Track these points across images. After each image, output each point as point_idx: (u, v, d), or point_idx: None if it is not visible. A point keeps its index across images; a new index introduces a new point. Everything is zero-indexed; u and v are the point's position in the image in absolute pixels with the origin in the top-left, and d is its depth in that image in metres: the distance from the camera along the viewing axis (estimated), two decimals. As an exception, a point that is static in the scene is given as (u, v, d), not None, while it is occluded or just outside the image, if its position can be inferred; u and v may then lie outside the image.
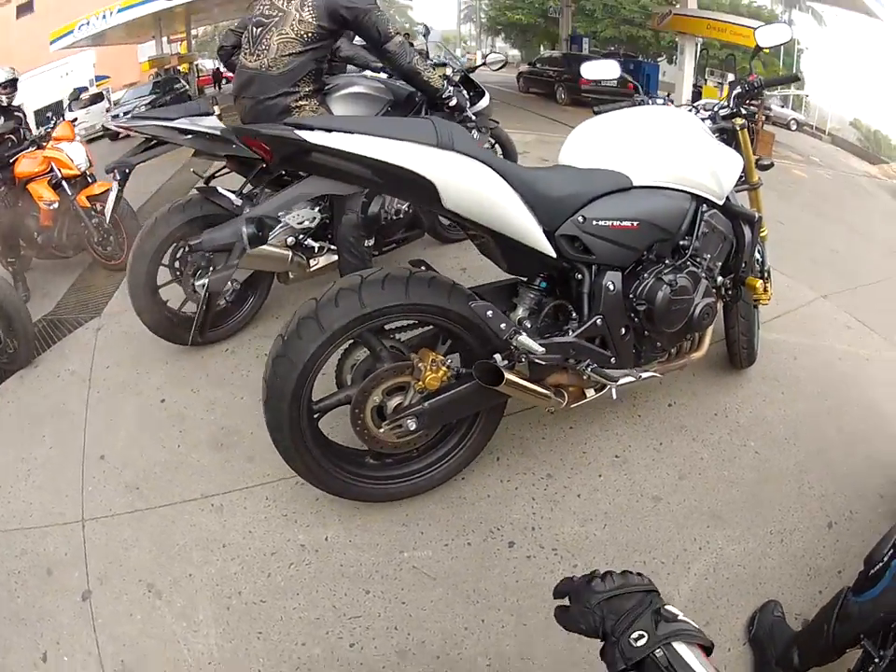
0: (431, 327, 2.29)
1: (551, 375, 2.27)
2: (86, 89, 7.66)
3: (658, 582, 2.12)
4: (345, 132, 1.73)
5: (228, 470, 2.70)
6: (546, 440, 2.76)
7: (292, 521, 2.47)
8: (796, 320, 3.73)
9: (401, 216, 3.36)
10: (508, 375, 2.05)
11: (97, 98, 7.68)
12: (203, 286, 3.04)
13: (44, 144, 4.69)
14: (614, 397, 2.39)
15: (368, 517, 2.45)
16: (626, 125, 2.41)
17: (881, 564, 1.75)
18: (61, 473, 2.80)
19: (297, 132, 1.72)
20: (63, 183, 4.51)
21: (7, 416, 3.27)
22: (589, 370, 2.24)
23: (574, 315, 2.24)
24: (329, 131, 1.73)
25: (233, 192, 3.16)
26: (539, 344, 2.06)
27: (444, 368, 2.13)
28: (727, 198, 2.44)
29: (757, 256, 2.73)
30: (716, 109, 2.67)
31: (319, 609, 2.19)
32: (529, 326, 2.18)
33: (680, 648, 0.98)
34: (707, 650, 1.02)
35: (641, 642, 1.00)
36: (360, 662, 2.06)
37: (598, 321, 2.20)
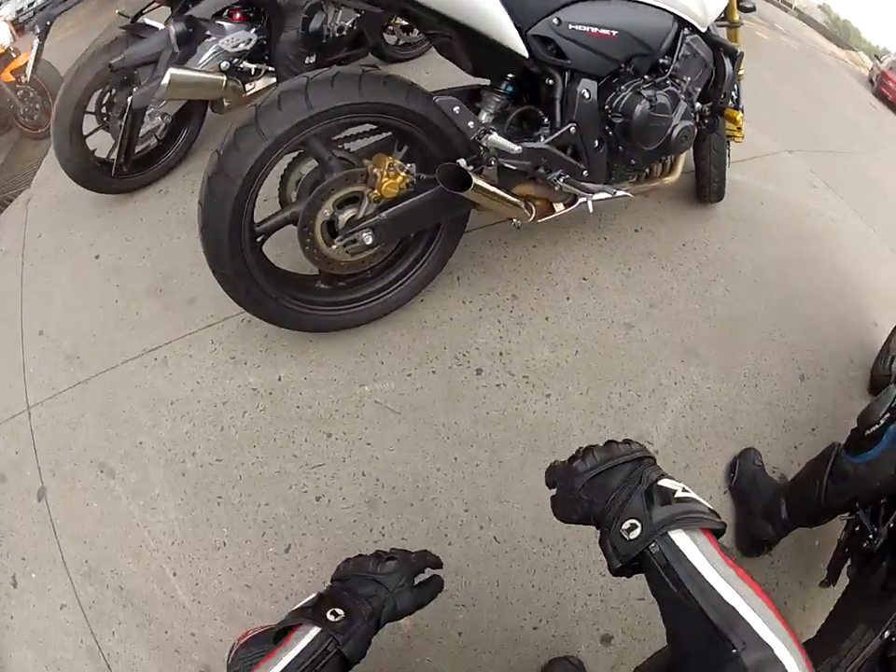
0: (383, 135, 2.14)
1: (518, 185, 2.16)
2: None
3: (636, 417, 2.09)
4: None
5: (169, 319, 2.53)
6: (509, 258, 2.63)
7: (241, 363, 2.33)
8: (762, 167, 3.65)
9: (345, 32, 3.19)
10: (476, 179, 1.92)
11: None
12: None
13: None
14: (591, 209, 2.29)
15: (322, 350, 2.33)
16: None
17: (877, 426, 1.72)
18: (2, 363, 2.65)
19: None
20: (-15, 62, 4.24)
21: (-60, 315, 3.08)
22: (561, 180, 2.14)
23: (545, 122, 2.12)
24: None
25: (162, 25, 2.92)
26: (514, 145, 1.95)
27: (403, 173, 1.98)
28: (709, 28, 2.32)
29: (733, 93, 2.63)
30: None
31: (279, 461, 2.09)
32: (496, 129, 2.02)
33: (679, 538, 0.86)
34: (717, 532, 0.89)
35: (634, 533, 0.88)
36: (329, 517, 1.98)
37: (572, 129, 2.08)
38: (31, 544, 2.09)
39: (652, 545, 0.86)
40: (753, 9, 2.79)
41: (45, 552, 2.06)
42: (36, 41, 3.25)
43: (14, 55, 4.36)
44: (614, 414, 2.21)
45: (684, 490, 0.92)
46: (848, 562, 1.74)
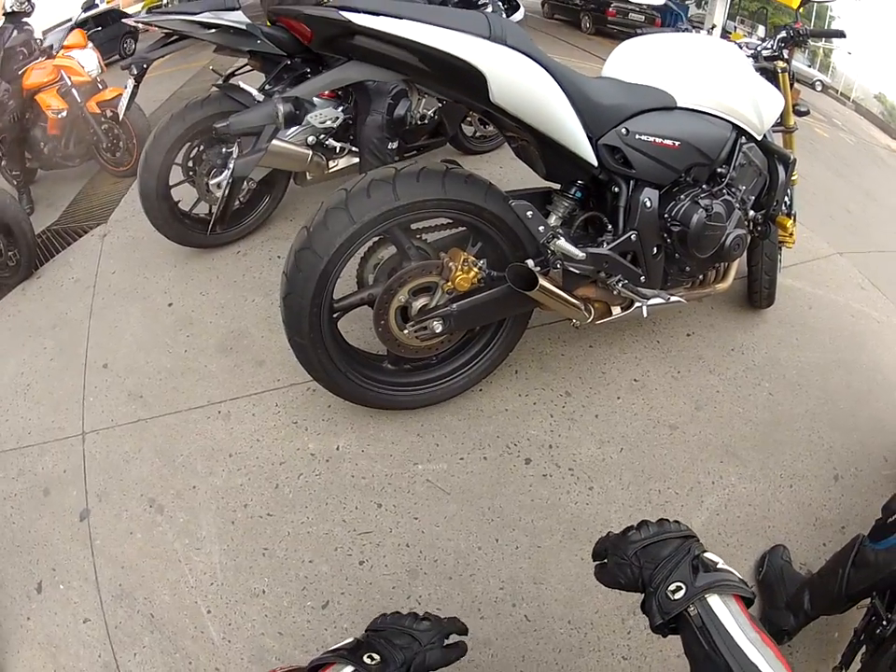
0: (459, 230, 2.24)
1: (580, 288, 2.23)
2: (96, 4, 7.50)
3: (672, 514, 2.13)
4: (394, 16, 1.66)
5: (236, 375, 2.64)
6: (565, 357, 2.71)
7: (302, 429, 2.42)
8: (813, 271, 3.68)
9: (426, 121, 3.30)
10: (542, 281, 2.01)
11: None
12: (219, 184, 2.98)
13: (54, 54, 4.61)
14: (645, 314, 2.34)
15: (381, 426, 2.41)
16: (673, 46, 2.34)
17: None
18: (61, 385, 2.74)
19: (342, 12, 1.63)
20: (73, 91, 4.42)
21: (6, 331, 3.20)
22: (620, 285, 2.21)
23: (608, 228, 2.20)
24: (377, 14, 1.65)
25: (255, 90, 3.06)
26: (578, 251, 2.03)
27: (476, 269, 2.06)
28: (765, 135, 2.40)
29: (786, 199, 2.68)
30: (759, 49, 2.66)
31: (328, 524, 2.16)
32: (564, 234, 2.11)
33: (714, 602, 0.96)
34: (747, 601, 0.99)
35: (679, 595, 0.98)
36: (369, 581, 2.03)
37: (633, 236, 2.17)
38: (64, 558, 2.16)
39: (691, 608, 0.96)
40: (808, 113, 2.86)
41: (77, 567, 2.12)
42: (132, 82, 3.36)
43: (101, 87, 4.54)
44: (652, 510, 2.25)
45: (723, 564, 1.04)
46: (863, 649, 1.75)
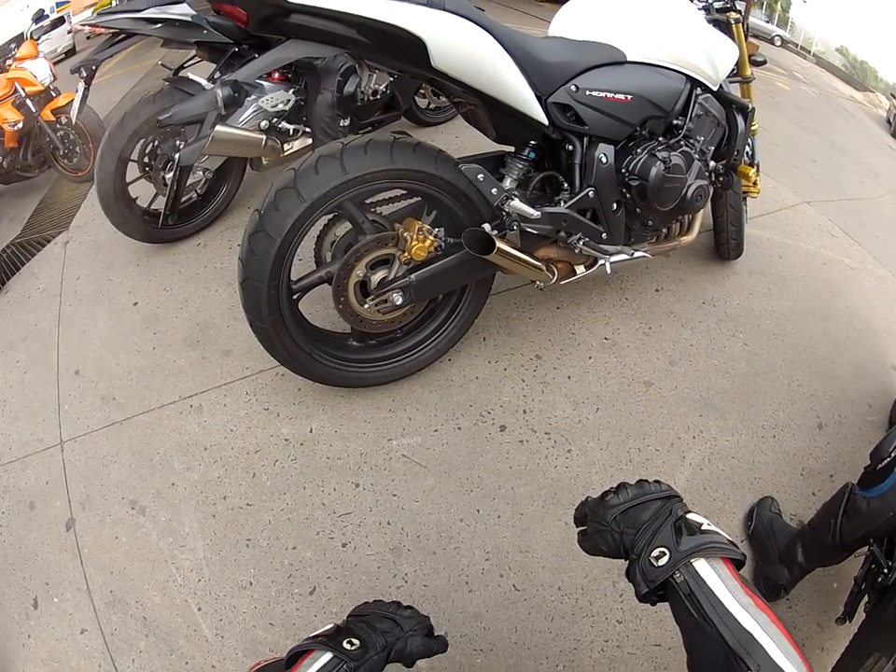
0: (413, 200, 2.22)
1: (540, 249, 2.23)
2: (46, 15, 7.46)
3: (654, 471, 2.13)
4: None
5: (205, 368, 2.62)
6: (533, 320, 2.70)
7: (274, 414, 2.40)
8: (780, 221, 3.68)
9: (379, 96, 3.28)
10: (499, 244, 2.00)
11: (59, 22, 7.49)
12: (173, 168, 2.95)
13: (7, 67, 4.54)
14: (609, 271, 2.33)
15: (353, 405, 2.39)
16: (621, 1, 2.31)
17: (889, 459, 1.74)
18: (36, 397, 2.71)
19: None
20: (28, 101, 4.35)
21: (-24, 350, 3.16)
22: (581, 243, 2.20)
23: (565, 186, 2.18)
24: None
25: (205, 80, 3.02)
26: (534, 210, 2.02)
27: (431, 237, 2.05)
28: (721, 86, 2.38)
29: (748, 149, 2.69)
30: (710, 1, 2.61)
31: (308, 508, 2.15)
32: (518, 195, 2.09)
33: (702, 567, 0.92)
34: (737, 563, 0.95)
35: (663, 561, 0.94)
36: (354, 563, 2.03)
37: (590, 193, 2.15)
38: (55, 570, 2.14)
39: (677, 574, 0.92)
40: (764, 62, 2.84)
41: (69, 578, 2.11)
42: (82, 85, 3.32)
43: (54, 94, 4.48)
44: (633, 468, 2.24)
45: (708, 524, 0.99)
46: (865, 598, 1.75)
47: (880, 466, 1.76)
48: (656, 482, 1.09)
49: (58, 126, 4.41)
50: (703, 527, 0.98)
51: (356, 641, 1.10)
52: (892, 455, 1.74)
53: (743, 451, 2.35)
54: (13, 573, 2.18)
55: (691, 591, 0.90)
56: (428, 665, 1.82)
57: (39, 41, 5.38)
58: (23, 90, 4.37)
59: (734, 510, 2.20)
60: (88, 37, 6.93)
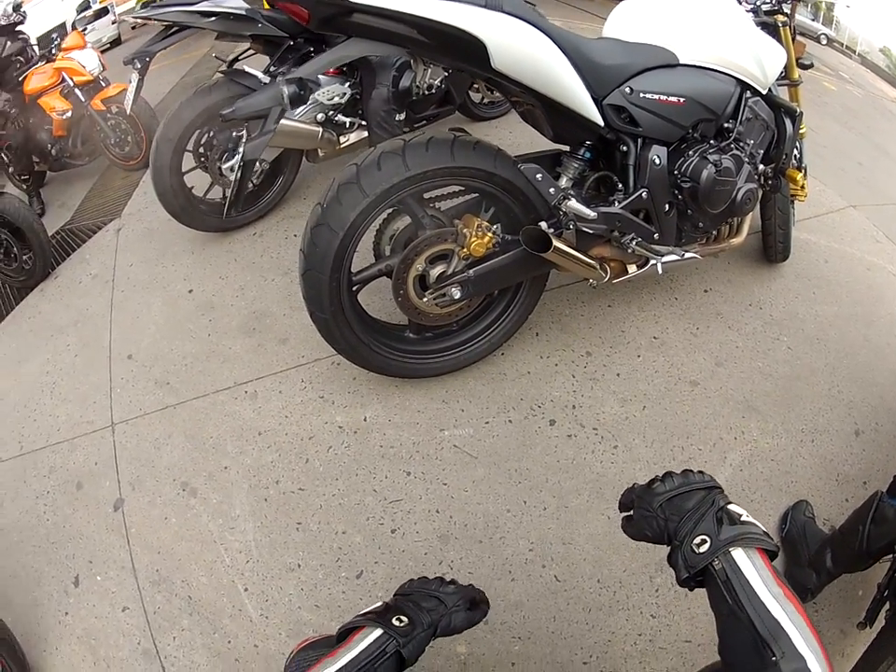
0: (471, 196, 2.25)
1: (595, 248, 2.26)
2: (90, 5, 7.53)
3: (696, 470, 2.15)
4: None
5: (261, 355, 2.67)
6: (585, 317, 2.73)
7: (329, 402, 2.45)
8: (827, 224, 3.66)
9: (433, 91, 3.33)
10: (556, 242, 2.04)
11: (102, 12, 7.56)
12: (231, 168, 3.02)
13: (54, 57, 4.62)
14: (660, 271, 2.35)
15: (407, 395, 2.44)
16: (672, 3, 2.32)
17: None
18: (87, 380, 2.78)
19: None
20: (77, 91, 4.45)
21: (29, 332, 3.26)
22: (634, 243, 2.23)
23: (619, 187, 2.21)
24: None
25: (261, 73, 3.08)
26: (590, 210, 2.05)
27: (490, 234, 2.09)
28: (770, 89, 2.39)
29: (795, 152, 2.67)
30: (758, 4, 2.62)
31: (359, 494, 2.19)
32: (575, 195, 2.12)
33: (739, 556, 0.97)
34: (771, 554, 1.00)
35: (704, 548, 0.99)
36: (402, 549, 2.07)
37: (644, 194, 2.18)
38: (101, 549, 2.20)
39: (716, 562, 0.97)
40: (811, 66, 2.84)
41: (114, 557, 2.17)
42: (136, 76, 3.37)
43: (103, 84, 4.57)
44: (676, 466, 2.18)
45: (747, 516, 1.04)
46: (887, 605, 1.77)
47: None
48: (700, 472, 1.15)
49: (108, 115, 4.49)
50: (742, 518, 1.03)
51: (404, 619, 1.16)
52: None
53: (782, 454, 2.36)
54: (55, 551, 2.24)
55: (727, 578, 0.95)
56: (468, 651, 1.86)
57: (85, 31, 5.46)
58: (71, 79, 4.45)
59: (769, 511, 2.22)
60: (133, 27, 7.01)
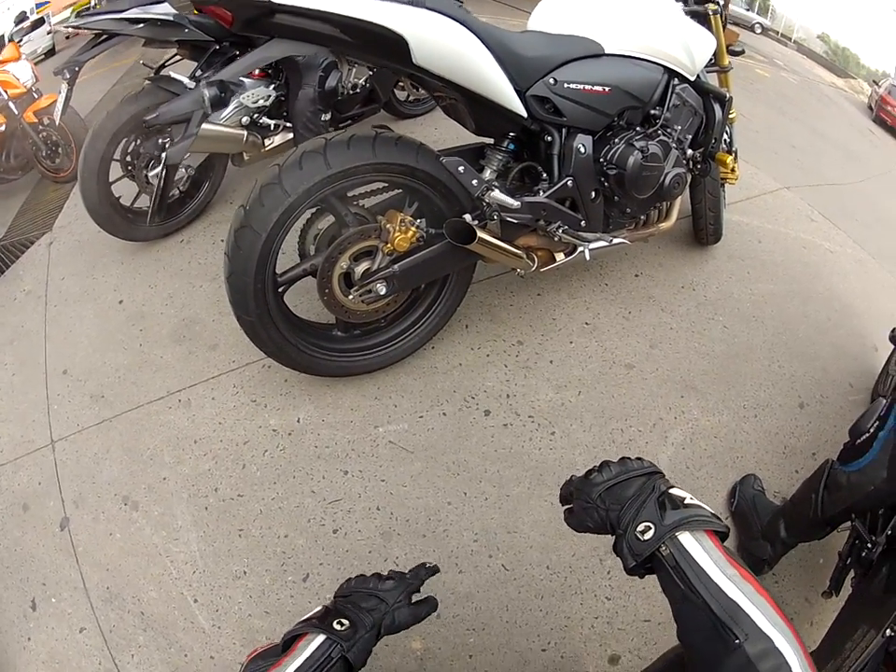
0: (395, 192, 2.24)
1: (521, 237, 2.26)
2: (27, 17, 7.41)
3: (637, 451, 2.14)
4: None
5: (192, 362, 2.63)
6: (514, 307, 2.73)
7: (262, 406, 2.42)
8: (760, 206, 3.72)
9: (358, 90, 3.30)
10: (480, 233, 2.04)
11: (39, 23, 7.44)
12: (157, 175, 2.96)
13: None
14: (588, 258, 2.36)
15: (339, 394, 2.42)
16: None
17: (867, 435, 1.77)
18: (25, 398, 2.71)
19: None
20: (10, 104, 4.32)
21: (-35, 355, 3.16)
22: (560, 231, 2.23)
23: (544, 176, 2.22)
24: None
25: (187, 78, 3.03)
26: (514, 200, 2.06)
27: (413, 228, 2.08)
28: (698, 76, 2.42)
29: (725, 137, 2.72)
30: None
31: (298, 497, 2.17)
32: (498, 186, 2.13)
33: (686, 540, 0.95)
34: (721, 535, 0.98)
35: (648, 535, 0.97)
36: (346, 549, 2.06)
37: (569, 182, 2.18)
38: (52, 570, 2.15)
39: (663, 547, 0.95)
40: (742, 52, 2.88)
41: (66, 577, 2.12)
42: (65, 86, 3.31)
43: (36, 95, 4.46)
44: (616, 449, 2.27)
45: (691, 498, 1.02)
46: (851, 573, 1.79)
47: (859, 441, 1.79)
48: (638, 459, 1.13)
49: (40, 127, 4.39)
50: (686, 501, 1.01)
51: (345, 622, 1.15)
52: (871, 430, 1.77)
53: (725, 430, 2.39)
54: (10, 576, 2.18)
55: (676, 563, 0.93)
56: (423, 647, 1.86)
57: (21, 43, 5.36)
58: (6, 92, 4.34)
59: (717, 488, 2.24)
60: (67, 37, 6.88)
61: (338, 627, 1.13)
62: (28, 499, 2.36)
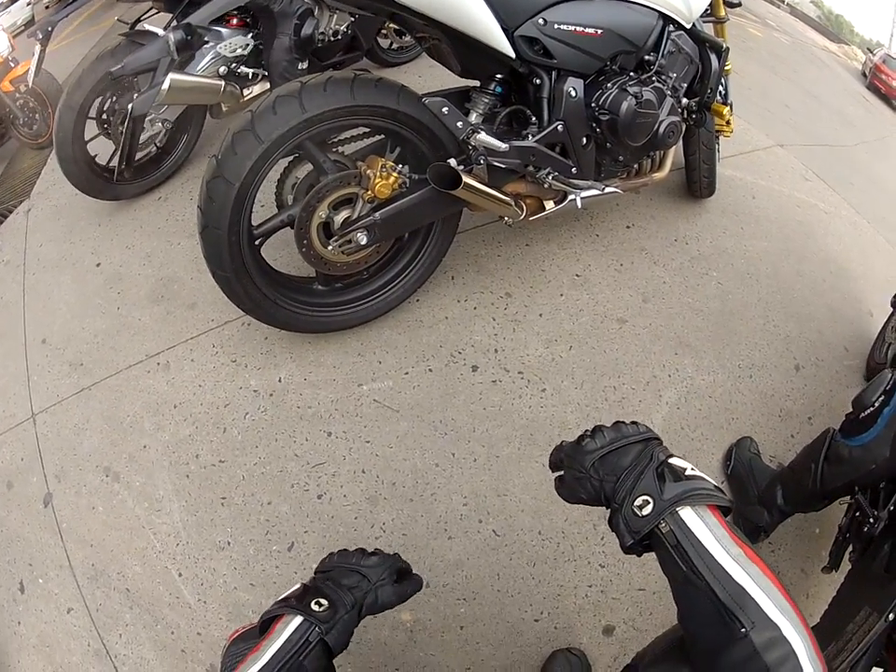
0: (376, 138, 2.17)
1: (509, 184, 2.18)
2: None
3: (630, 410, 2.10)
4: None
5: (170, 323, 2.56)
6: (502, 258, 2.66)
7: (242, 366, 2.35)
8: (753, 162, 3.66)
9: (340, 36, 3.22)
10: (465, 178, 1.95)
11: (15, -5, 7.37)
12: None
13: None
14: (580, 206, 2.29)
15: (321, 351, 2.35)
16: None
17: (871, 409, 1.73)
18: (6, 372, 2.66)
19: None
20: (-15, 75, 4.27)
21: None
22: (550, 178, 2.16)
23: (533, 120, 2.14)
24: None
25: (161, 30, 2.94)
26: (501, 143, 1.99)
27: (395, 174, 2.00)
28: (694, 24, 2.34)
29: (721, 88, 2.64)
30: None
31: (281, 461, 2.12)
32: (485, 129, 2.04)
33: (688, 516, 0.87)
34: (724, 510, 0.90)
35: (647, 510, 0.90)
36: (331, 515, 2.00)
37: (559, 127, 2.11)
38: (38, 550, 2.11)
39: (662, 524, 0.87)
40: (739, 4, 2.80)
41: (51, 556, 2.08)
42: (38, 47, 3.24)
43: (13, 64, 4.38)
44: (609, 408, 2.23)
45: (692, 469, 0.94)
46: (850, 547, 1.75)
47: (863, 415, 1.75)
48: (633, 423, 1.05)
49: (17, 95, 4.32)
50: (687, 472, 0.93)
51: (323, 602, 1.09)
52: (875, 404, 1.73)
53: (720, 391, 2.34)
54: None
55: (678, 542, 0.86)
56: (413, 618, 1.82)
57: (-1, 16, 5.29)
58: (-20, 63, 4.29)
59: (712, 450, 2.20)
60: (46, 7, 6.80)
61: (316, 608, 1.08)
62: (12, 476, 2.31)
